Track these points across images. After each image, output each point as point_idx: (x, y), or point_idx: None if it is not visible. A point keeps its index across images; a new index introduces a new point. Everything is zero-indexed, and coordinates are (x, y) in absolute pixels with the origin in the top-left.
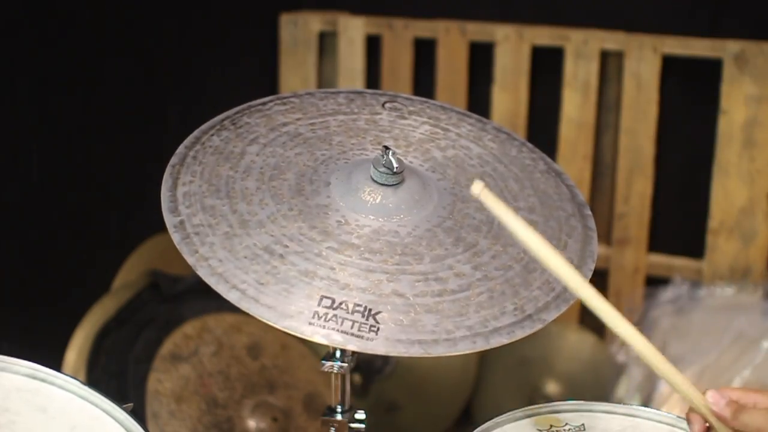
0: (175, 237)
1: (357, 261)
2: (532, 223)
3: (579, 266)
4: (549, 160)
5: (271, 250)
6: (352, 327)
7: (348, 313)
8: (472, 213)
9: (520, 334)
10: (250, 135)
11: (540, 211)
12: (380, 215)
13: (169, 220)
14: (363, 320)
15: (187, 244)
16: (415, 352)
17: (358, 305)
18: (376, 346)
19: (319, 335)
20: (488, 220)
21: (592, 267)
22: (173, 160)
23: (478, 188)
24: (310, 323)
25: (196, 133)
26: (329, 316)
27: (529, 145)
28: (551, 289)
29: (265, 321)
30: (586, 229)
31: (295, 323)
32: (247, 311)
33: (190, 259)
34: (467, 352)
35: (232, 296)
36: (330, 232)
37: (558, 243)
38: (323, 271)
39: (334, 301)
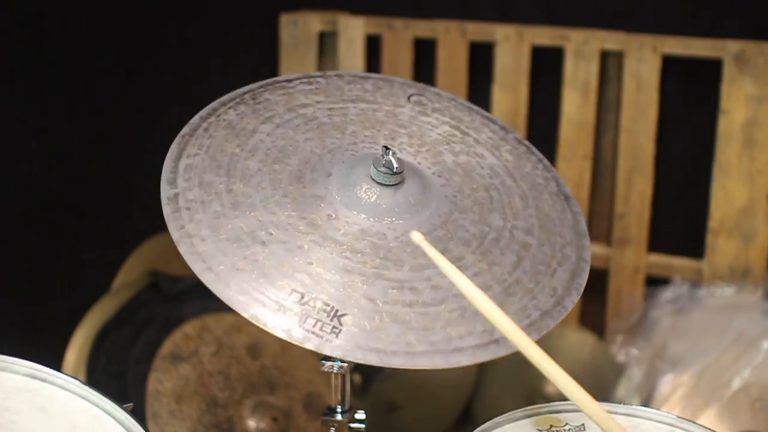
0: (166, 209)
1: (337, 258)
2: (526, 245)
3: (562, 296)
4: (562, 181)
5: (255, 236)
6: (314, 325)
7: (314, 310)
8: (467, 225)
9: (482, 357)
10: (267, 113)
11: (537, 233)
12: (372, 214)
13: (164, 191)
14: (327, 320)
15: (176, 218)
16: (372, 360)
17: (326, 304)
18: (333, 348)
19: (279, 329)
20: (481, 236)
21: (575, 300)
22: (185, 129)
23: (417, 237)
24: (274, 315)
25: (214, 104)
26: (294, 311)
27: (546, 162)
28: (527, 316)
29: (232, 307)
30: (580, 260)
31: (260, 314)
32: (216, 294)
33: (174, 234)
34: (425, 368)
35: (205, 277)
36: (317, 225)
37: (547, 269)
38: (300, 265)
39: (303, 296)
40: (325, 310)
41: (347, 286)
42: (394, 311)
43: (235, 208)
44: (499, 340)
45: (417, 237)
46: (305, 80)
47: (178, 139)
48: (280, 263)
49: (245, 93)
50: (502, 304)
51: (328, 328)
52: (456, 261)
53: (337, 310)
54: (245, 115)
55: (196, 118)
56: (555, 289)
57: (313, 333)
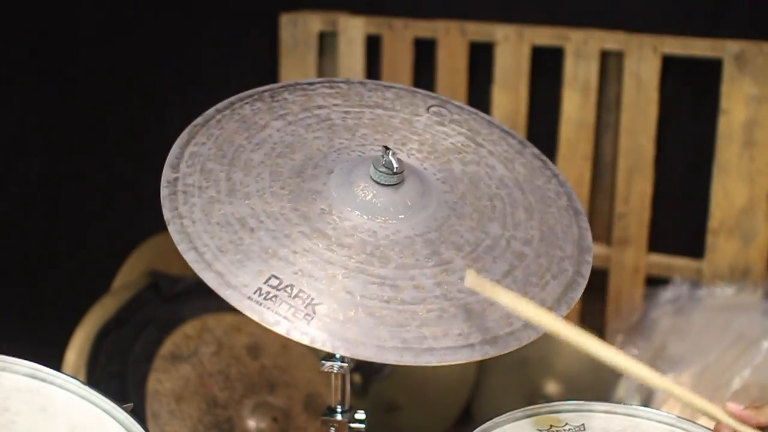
0: (164, 191)
1: (321, 251)
2: (521, 255)
3: (551, 309)
4: (575, 197)
5: (245, 222)
6: (287, 311)
7: (290, 297)
8: (462, 231)
9: (451, 360)
10: (282, 111)
11: (535, 245)
12: (366, 212)
13: (166, 174)
14: (301, 307)
15: (171, 200)
16: (339, 349)
17: (303, 292)
18: (302, 334)
19: (251, 311)
20: (475, 242)
21: (564, 314)
22: (198, 119)
23: (470, 279)
24: (249, 297)
25: (232, 98)
26: (270, 295)
27: (561, 178)
28: (508, 324)
29: (209, 286)
30: (577, 275)
31: (235, 295)
32: (197, 273)
33: (167, 214)
34: (392, 363)
35: (189, 256)
36: (309, 218)
37: (539, 281)
38: (284, 252)
39: (281, 282)
40: (300, 298)
41: (327, 277)
42: (371, 305)
43: (231, 195)
44: (475, 345)
45: (470, 278)
46: (327, 84)
47: (189, 128)
48: (264, 250)
49: (265, 91)
50: (482, 311)
51: (300, 315)
52: (444, 263)
53: (312, 299)
54: (260, 111)
55: (211, 110)
56: (544, 301)
57: (285, 318)
